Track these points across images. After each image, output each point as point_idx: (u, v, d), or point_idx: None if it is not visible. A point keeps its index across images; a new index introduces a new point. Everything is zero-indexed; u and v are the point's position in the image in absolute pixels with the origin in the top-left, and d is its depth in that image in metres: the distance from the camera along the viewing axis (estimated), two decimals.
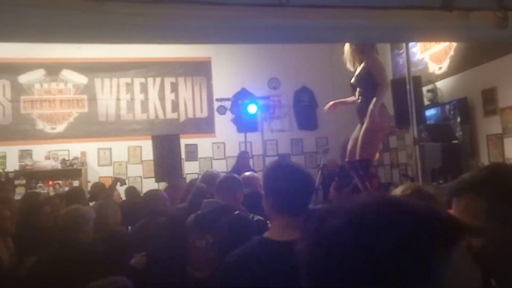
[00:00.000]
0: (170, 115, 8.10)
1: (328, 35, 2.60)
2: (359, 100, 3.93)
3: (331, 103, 4.29)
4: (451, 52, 5.65)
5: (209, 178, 3.97)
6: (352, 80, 4.02)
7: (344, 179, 5.24)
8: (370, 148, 3.84)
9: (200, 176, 5.27)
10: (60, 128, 7.67)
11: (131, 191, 5.46)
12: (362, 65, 3.85)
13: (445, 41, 4.97)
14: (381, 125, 3.72)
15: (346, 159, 4.15)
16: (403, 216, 0.63)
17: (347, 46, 3.95)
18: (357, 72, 3.92)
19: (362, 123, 3.84)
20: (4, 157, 7.30)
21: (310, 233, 0.68)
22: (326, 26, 2.47)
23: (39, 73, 7.65)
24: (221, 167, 7.18)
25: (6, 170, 7.08)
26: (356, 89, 4.00)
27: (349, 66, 4.02)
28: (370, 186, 3.66)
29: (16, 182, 6.84)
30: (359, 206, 0.66)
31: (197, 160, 7.99)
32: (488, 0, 2.84)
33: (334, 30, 2.52)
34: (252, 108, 7.37)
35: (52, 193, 6.70)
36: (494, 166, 1.30)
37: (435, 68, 6.01)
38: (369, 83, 3.76)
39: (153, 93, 8.06)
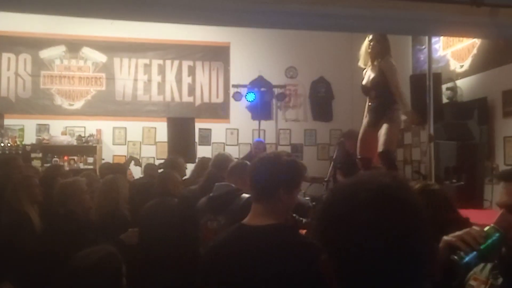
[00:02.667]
0: (186, 98, 8.14)
1: (355, 24, 2.59)
2: (374, 103, 4.12)
3: None
4: (474, 51, 5.54)
5: (220, 161, 3.99)
6: (365, 83, 4.18)
7: (352, 168, 5.25)
8: (392, 145, 4.11)
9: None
10: (78, 104, 7.78)
11: (150, 168, 5.46)
12: (377, 69, 4.02)
13: (471, 37, 4.90)
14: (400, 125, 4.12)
15: (359, 156, 4.29)
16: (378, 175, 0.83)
17: (364, 47, 4.11)
18: (372, 76, 4.07)
19: (376, 124, 4.06)
20: (22, 129, 7.45)
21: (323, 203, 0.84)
22: (353, 14, 2.46)
23: (60, 49, 7.74)
24: (233, 153, 7.17)
25: (23, 142, 7.23)
26: (368, 92, 4.16)
27: (361, 63, 4.22)
28: None
29: (33, 155, 6.98)
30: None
31: (210, 145, 8.04)
32: None
33: (361, 20, 2.51)
34: (249, 97, 7.43)
35: (67, 168, 6.83)
36: None
37: (456, 66, 5.91)
38: (385, 86, 3.96)
39: (170, 75, 8.10)
